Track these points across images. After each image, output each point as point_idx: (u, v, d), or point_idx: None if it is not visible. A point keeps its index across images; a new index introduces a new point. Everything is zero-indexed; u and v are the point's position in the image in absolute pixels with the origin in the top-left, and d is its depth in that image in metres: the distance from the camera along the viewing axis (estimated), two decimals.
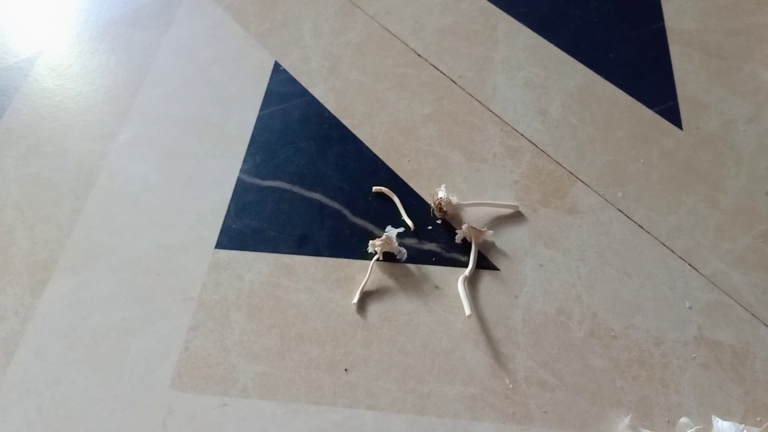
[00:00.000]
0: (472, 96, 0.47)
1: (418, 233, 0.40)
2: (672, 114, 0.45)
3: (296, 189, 0.44)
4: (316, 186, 0.44)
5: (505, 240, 0.39)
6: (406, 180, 0.43)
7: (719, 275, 0.37)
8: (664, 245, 0.39)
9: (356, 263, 0.39)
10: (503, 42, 0.52)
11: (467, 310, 0.35)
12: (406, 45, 0.52)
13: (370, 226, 0.41)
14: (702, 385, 0.33)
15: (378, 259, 0.38)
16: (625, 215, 0.40)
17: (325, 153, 0.46)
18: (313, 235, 0.41)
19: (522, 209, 0.41)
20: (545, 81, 0.48)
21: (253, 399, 0.34)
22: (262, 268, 0.39)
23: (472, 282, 0.38)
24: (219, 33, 0.55)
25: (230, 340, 0.36)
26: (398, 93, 0.49)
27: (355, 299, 0.37)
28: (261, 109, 0.49)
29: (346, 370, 0.35)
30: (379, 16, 0.55)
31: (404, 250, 0.39)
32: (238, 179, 0.44)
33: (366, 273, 0.38)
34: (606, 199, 0.41)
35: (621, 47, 0.51)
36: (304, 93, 0.50)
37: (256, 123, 0.48)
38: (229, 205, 0.43)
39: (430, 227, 0.40)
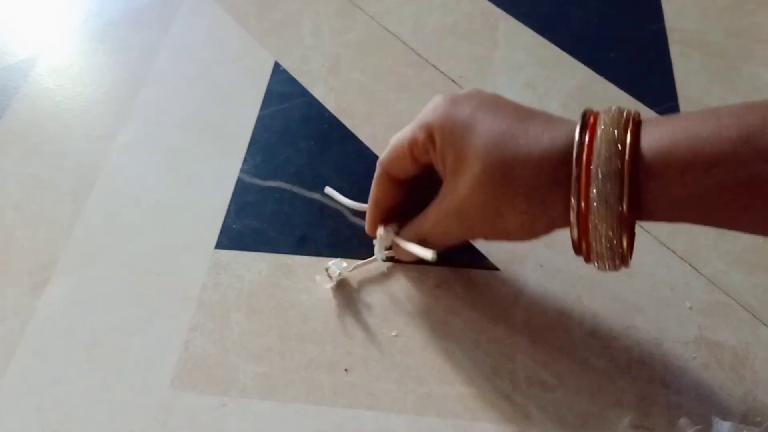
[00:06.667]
0: None
1: None
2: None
3: (296, 189, 0.44)
4: (316, 186, 0.43)
5: None
6: None
7: (719, 275, 0.37)
8: (665, 245, 0.39)
9: (356, 263, 0.39)
10: (503, 42, 0.52)
11: (428, 255, 0.33)
12: (406, 45, 0.52)
13: None
14: (702, 386, 0.33)
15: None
16: None
17: (325, 153, 0.45)
18: (313, 235, 0.41)
19: None
20: (545, 81, 0.48)
21: (253, 399, 0.34)
22: (262, 268, 0.39)
23: (472, 282, 0.38)
24: (219, 33, 0.55)
25: (230, 340, 0.36)
26: (398, 93, 0.49)
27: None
28: (261, 109, 0.49)
29: (346, 370, 0.35)
30: (379, 16, 0.55)
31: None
32: (238, 179, 0.44)
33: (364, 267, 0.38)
34: None
35: (621, 47, 0.51)
36: (304, 93, 0.50)
37: (256, 123, 0.48)
38: (229, 205, 0.43)
39: None
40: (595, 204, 0.25)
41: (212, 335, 0.37)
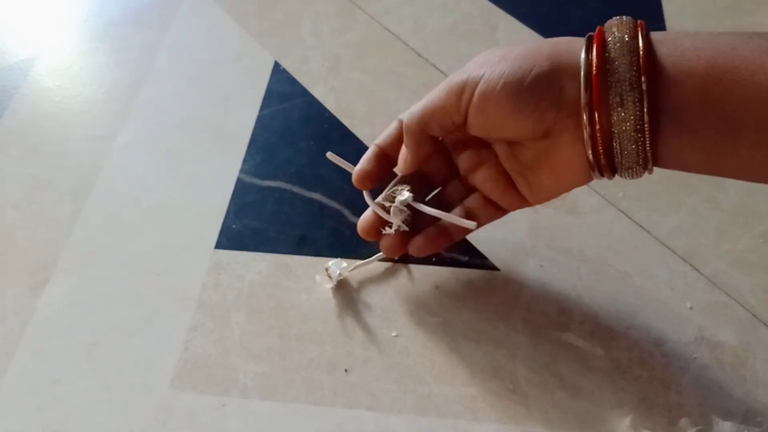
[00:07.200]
0: None
1: None
2: None
3: (296, 189, 0.44)
4: (316, 186, 0.43)
5: (505, 240, 0.39)
6: None
7: (720, 275, 0.37)
8: (665, 245, 0.39)
9: (356, 263, 0.39)
10: (504, 42, 0.52)
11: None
12: (406, 45, 0.52)
13: None
14: (703, 386, 0.33)
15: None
16: (626, 215, 0.40)
17: (324, 153, 0.45)
18: (313, 235, 0.41)
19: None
20: None
21: (253, 399, 0.34)
22: (262, 269, 0.39)
23: (472, 282, 0.38)
24: (219, 33, 0.55)
25: (230, 340, 0.36)
26: (398, 93, 0.49)
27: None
28: (261, 109, 0.49)
29: (346, 370, 0.35)
30: (379, 16, 0.55)
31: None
32: (238, 179, 0.44)
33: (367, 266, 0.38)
34: (607, 200, 0.41)
35: None
36: (304, 93, 0.50)
37: (256, 123, 0.48)
38: (229, 205, 0.43)
39: None
40: (614, 97, 0.25)
41: (212, 335, 0.36)
